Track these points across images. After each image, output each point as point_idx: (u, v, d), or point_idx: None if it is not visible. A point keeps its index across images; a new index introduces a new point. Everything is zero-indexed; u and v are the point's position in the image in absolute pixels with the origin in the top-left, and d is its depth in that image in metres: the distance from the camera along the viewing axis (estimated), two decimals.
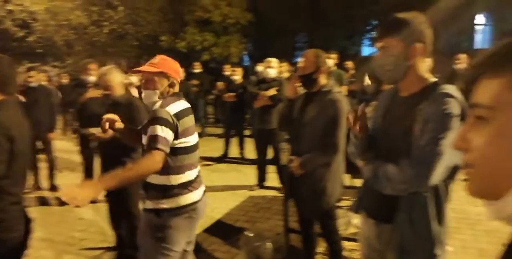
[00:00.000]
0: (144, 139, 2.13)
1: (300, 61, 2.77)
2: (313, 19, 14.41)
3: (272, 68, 5.08)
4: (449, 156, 1.44)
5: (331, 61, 6.65)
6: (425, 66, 1.64)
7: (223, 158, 6.67)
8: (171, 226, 2.13)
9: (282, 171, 4.41)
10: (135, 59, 13.94)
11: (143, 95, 2.23)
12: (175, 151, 2.11)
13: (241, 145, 6.74)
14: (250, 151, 5.88)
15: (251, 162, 5.96)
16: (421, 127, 1.51)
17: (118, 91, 3.16)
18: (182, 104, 2.19)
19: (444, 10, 10.14)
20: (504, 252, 0.62)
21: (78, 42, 13.19)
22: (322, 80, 2.71)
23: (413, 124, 1.53)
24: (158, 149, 1.99)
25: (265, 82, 5.12)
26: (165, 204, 2.14)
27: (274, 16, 14.18)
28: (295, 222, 3.08)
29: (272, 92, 4.92)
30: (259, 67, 5.88)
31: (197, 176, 2.26)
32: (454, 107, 1.45)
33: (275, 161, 5.07)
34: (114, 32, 13.23)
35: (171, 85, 2.21)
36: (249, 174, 5.51)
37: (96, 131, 2.96)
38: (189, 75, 8.47)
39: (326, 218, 2.82)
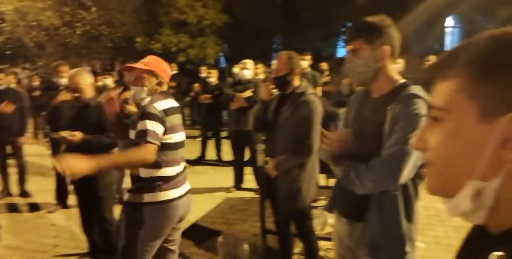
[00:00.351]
0: (132, 134, 2.20)
1: (274, 63, 2.79)
2: (288, 20, 14.53)
3: (248, 69, 5.10)
4: (417, 155, 1.48)
5: (305, 62, 6.72)
6: (394, 67, 1.69)
7: (200, 160, 6.63)
8: (147, 220, 2.18)
9: (259, 173, 4.43)
10: (109, 61, 13.74)
11: (131, 91, 2.31)
12: (168, 146, 2.20)
13: (218, 147, 6.72)
14: (227, 153, 5.87)
15: (228, 164, 5.95)
16: (390, 127, 1.55)
17: (88, 93, 3.12)
18: (170, 102, 2.28)
19: (416, 12, 10.40)
20: (461, 246, 0.64)
21: (49, 43, 12.88)
22: (296, 81, 2.74)
23: (383, 124, 1.57)
24: (149, 142, 2.06)
25: (241, 84, 5.13)
26: (145, 198, 2.18)
27: (249, 18, 14.22)
28: (272, 223, 3.09)
29: (247, 93, 4.94)
30: (235, 69, 5.89)
31: (180, 174, 2.30)
32: (422, 107, 1.49)
33: (251, 162, 5.08)
34: (87, 33, 12.99)
35: (160, 84, 2.30)
36: (226, 176, 5.50)
37: (67, 134, 2.91)
38: None
39: (302, 218, 2.84)
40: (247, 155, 5.20)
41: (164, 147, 2.18)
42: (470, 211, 0.55)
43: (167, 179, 2.21)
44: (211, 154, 6.73)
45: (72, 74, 3.13)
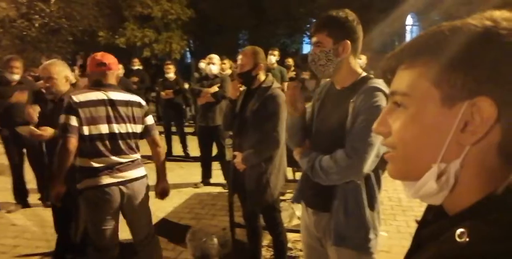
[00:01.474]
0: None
1: (239, 58, 2.80)
2: (254, 16, 14.54)
3: (214, 64, 5.07)
4: (379, 146, 1.53)
5: (273, 57, 6.77)
6: (356, 61, 1.74)
7: (167, 156, 6.53)
8: (83, 205, 2.49)
9: (227, 167, 4.44)
10: (70, 55, 13.25)
11: None
12: (83, 137, 2.33)
13: (183, 142, 6.67)
14: (196, 149, 5.84)
15: (195, 159, 5.92)
16: (352, 120, 1.59)
17: (62, 86, 2.91)
18: (95, 95, 2.37)
19: (378, 10, 10.67)
20: (417, 228, 0.68)
21: (4, 36, 12.25)
22: (261, 76, 2.76)
23: (346, 116, 1.61)
24: (65, 136, 2.27)
25: (208, 79, 5.11)
26: (79, 184, 2.40)
27: (215, 13, 14.13)
28: (241, 217, 3.12)
29: (214, 89, 4.92)
30: (202, 64, 5.85)
31: (111, 164, 2.40)
32: (383, 100, 1.55)
33: (219, 157, 5.08)
34: (46, 26, 12.45)
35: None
36: (194, 171, 5.47)
37: (34, 130, 2.79)
38: (129, 72, 8.21)
39: (270, 211, 2.88)
40: (214, 151, 5.19)
41: (87, 137, 2.35)
42: (433, 192, 0.57)
43: (95, 168, 2.36)
44: (178, 150, 6.67)
45: (46, 64, 2.93)
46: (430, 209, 0.67)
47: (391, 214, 3.98)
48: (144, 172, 2.58)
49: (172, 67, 6.58)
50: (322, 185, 1.67)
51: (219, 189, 4.98)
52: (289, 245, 3.18)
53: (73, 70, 7.08)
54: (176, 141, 6.68)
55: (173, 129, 6.73)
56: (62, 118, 2.29)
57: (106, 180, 2.38)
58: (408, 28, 16.73)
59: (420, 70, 0.58)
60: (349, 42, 1.64)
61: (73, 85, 3.18)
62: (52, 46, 12.97)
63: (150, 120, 2.62)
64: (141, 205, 2.55)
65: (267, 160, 2.73)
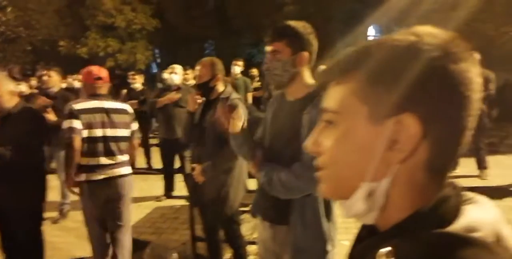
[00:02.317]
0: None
1: (196, 70, 2.77)
2: (220, 26, 14.58)
3: (176, 74, 5.00)
4: None
5: (238, 68, 6.78)
6: (310, 73, 1.73)
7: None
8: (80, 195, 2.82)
9: (188, 180, 4.35)
10: (29, 65, 12.80)
11: None
12: (82, 139, 2.69)
13: (147, 154, 6.52)
14: (160, 161, 5.71)
15: (158, 171, 5.78)
16: (307, 131, 1.58)
17: (7, 101, 2.73)
18: (91, 104, 2.76)
19: (341, 22, 10.96)
20: (352, 245, 0.66)
21: None
22: (220, 87, 2.74)
23: (299, 128, 1.60)
24: (71, 137, 2.62)
25: (170, 89, 5.02)
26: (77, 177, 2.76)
27: (181, 23, 14.06)
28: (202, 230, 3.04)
29: (173, 95, 4.83)
30: (164, 74, 5.77)
31: (100, 165, 2.76)
32: None
33: (182, 169, 4.98)
34: (3, 35, 12.00)
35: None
36: (156, 184, 5.34)
37: None
38: None
39: (230, 224, 2.83)
40: (178, 163, 5.09)
41: (84, 140, 2.71)
42: (363, 212, 0.56)
43: (87, 166, 2.74)
44: (141, 162, 6.50)
45: None
46: (364, 225, 0.66)
47: (354, 222, 4.00)
48: (130, 171, 2.94)
49: (139, 77, 6.46)
50: (279, 198, 1.64)
51: (182, 202, 4.87)
52: (251, 257, 3.13)
53: (28, 81, 6.83)
54: (140, 152, 6.52)
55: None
56: (66, 123, 2.65)
57: (97, 176, 2.74)
58: (370, 39, 17.27)
59: (349, 87, 0.56)
60: (306, 53, 1.64)
61: (69, 90, 3.36)
62: (9, 56, 12.50)
63: (135, 125, 3.01)
64: (126, 198, 2.90)
65: (226, 171, 2.69)
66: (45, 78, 4.50)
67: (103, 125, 2.78)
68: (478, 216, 0.51)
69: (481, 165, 5.62)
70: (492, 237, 0.50)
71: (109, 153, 2.81)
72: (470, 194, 0.57)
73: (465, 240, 0.47)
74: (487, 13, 7.94)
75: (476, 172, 5.61)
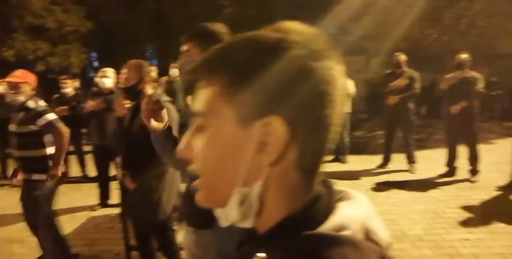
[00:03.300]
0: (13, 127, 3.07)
1: (122, 73, 2.68)
2: (159, 29, 14.28)
3: (108, 77, 4.82)
4: None
5: (176, 70, 6.65)
6: None
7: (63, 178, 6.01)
8: None
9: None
10: None
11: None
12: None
13: (81, 162, 6.21)
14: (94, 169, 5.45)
15: (92, 180, 5.52)
16: None
17: None
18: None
19: (303, 22, 11.09)
20: (234, 250, 0.64)
21: None
22: (148, 90, 2.66)
23: None
24: (60, 126, 3.08)
25: (102, 93, 4.83)
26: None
27: (119, 25, 13.58)
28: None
29: (99, 103, 4.67)
30: (96, 78, 5.53)
31: None
32: None
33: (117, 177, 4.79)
34: None
35: (33, 90, 3.19)
36: (90, 193, 5.09)
37: None
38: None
39: (163, 230, 2.76)
40: (113, 170, 4.89)
41: None
42: (239, 219, 0.53)
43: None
44: (75, 170, 6.18)
45: None
46: (247, 229, 0.64)
47: None
48: None
49: (70, 82, 6.12)
50: None
51: (118, 211, 4.66)
52: None
53: None
54: (73, 161, 6.18)
55: (71, 147, 6.22)
56: (51, 115, 3.08)
57: None
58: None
59: (215, 88, 0.52)
60: None
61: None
62: None
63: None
64: None
65: (157, 177, 2.62)
66: None
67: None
68: (349, 213, 0.50)
69: (410, 160, 5.97)
70: (362, 233, 0.50)
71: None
72: (344, 191, 0.56)
73: (332, 239, 0.46)
74: (412, 16, 8.45)
75: (406, 166, 5.95)
